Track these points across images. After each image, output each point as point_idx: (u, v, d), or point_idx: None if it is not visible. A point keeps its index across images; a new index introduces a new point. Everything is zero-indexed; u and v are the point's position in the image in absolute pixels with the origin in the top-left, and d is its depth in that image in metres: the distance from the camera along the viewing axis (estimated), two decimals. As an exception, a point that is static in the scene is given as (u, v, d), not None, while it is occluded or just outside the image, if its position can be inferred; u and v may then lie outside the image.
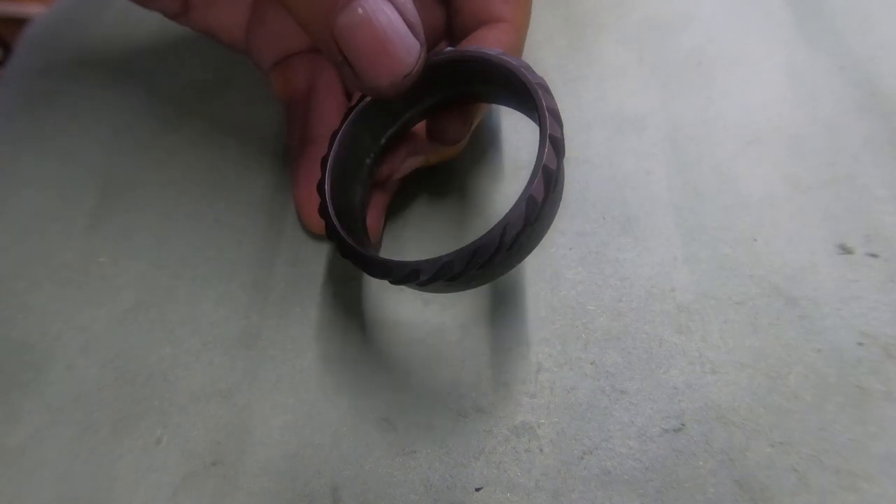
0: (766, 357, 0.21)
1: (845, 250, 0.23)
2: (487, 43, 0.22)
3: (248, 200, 0.27)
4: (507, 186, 0.26)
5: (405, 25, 0.17)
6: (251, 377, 0.23)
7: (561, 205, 0.26)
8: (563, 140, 0.18)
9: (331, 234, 0.20)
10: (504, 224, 0.17)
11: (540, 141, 0.18)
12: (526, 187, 0.17)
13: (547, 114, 0.18)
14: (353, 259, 0.19)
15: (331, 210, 0.20)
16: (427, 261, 0.17)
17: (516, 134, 0.28)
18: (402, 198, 0.26)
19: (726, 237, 0.24)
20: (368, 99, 0.21)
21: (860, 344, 0.21)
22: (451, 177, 0.27)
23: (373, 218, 0.24)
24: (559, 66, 0.30)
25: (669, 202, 0.25)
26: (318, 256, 0.25)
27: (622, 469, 0.20)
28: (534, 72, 0.19)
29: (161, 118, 0.30)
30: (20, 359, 0.24)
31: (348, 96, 0.26)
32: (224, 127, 0.30)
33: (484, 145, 0.28)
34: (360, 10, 0.17)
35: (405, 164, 0.24)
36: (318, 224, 0.23)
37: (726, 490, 0.19)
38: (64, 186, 0.28)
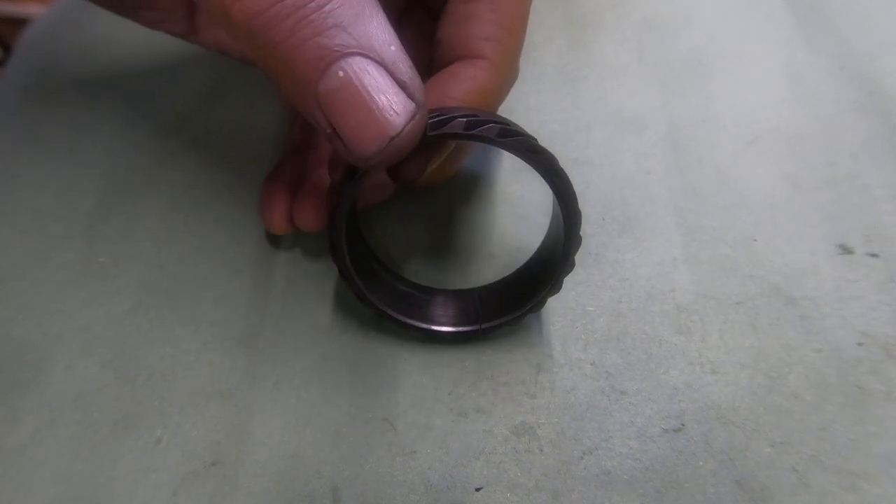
0: (766, 357, 0.21)
1: (845, 250, 0.23)
2: (459, 80, 0.20)
3: (248, 200, 0.27)
4: (507, 189, 0.26)
5: (395, 86, 0.16)
6: (251, 377, 0.23)
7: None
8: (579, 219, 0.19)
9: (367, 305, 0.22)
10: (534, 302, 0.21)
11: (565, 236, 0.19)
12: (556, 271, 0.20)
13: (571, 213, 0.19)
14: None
15: (363, 289, 0.21)
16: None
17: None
18: (402, 196, 0.26)
19: (726, 237, 0.24)
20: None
21: (860, 344, 0.21)
22: (452, 181, 0.27)
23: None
24: (559, 66, 0.30)
25: (669, 202, 0.25)
26: (317, 256, 0.25)
27: (622, 469, 0.20)
28: (484, 127, 0.18)
29: (161, 119, 0.30)
30: (20, 359, 0.24)
31: None
32: (224, 128, 0.30)
33: (485, 148, 0.28)
34: (340, 73, 0.15)
35: (367, 194, 0.23)
36: (276, 224, 0.24)
37: (726, 490, 0.19)
38: (64, 186, 0.28)
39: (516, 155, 0.18)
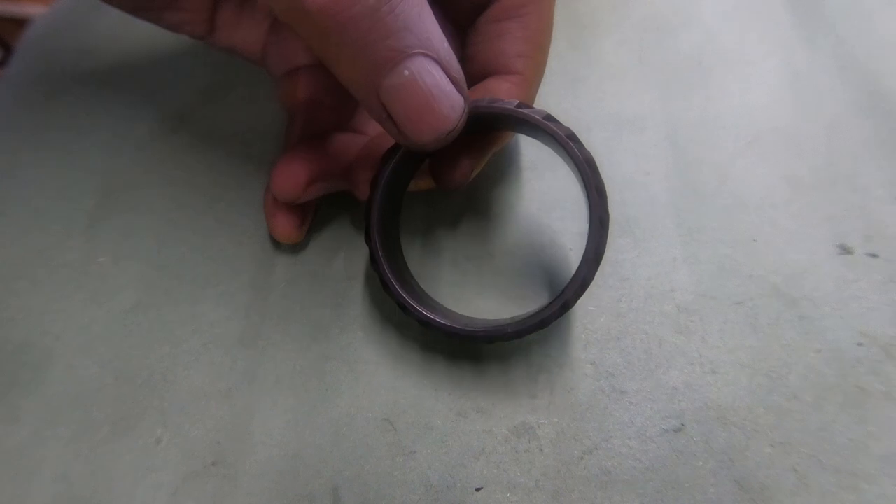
0: (766, 357, 0.21)
1: (845, 250, 0.23)
2: (496, 94, 0.21)
3: (248, 200, 0.27)
4: (506, 189, 0.26)
5: (450, 83, 0.17)
6: (251, 377, 0.23)
7: (560, 206, 0.26)
8: (607, 212, 0.19)
9: (389, 293, 0.21)
10: (564, 300, 0.19)
11: (590, 220, 0.19)
12: (581, 266, 0.19)
13: (595, 193, 0.19)
14: (420, 321, 0.21)
15: (389, 277, 0.21)
16: (486, 329, 0.20)
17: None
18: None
19: (726, 237, 0.24)
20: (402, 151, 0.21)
21: (860, 344, 0.21)
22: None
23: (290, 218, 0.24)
24: (559, 66, 0.30)
25: (669, 203, 0.25)
26: (318, 256, 0.25)
27: (622, 469, 0.20)
28: (558, 122, 0.19)
29: (161, 118, 0.30)
30: (20, 359, 0.24)
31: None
32: (224, 127, 0.30)
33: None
34: (406, 73, 0.16)
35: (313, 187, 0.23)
36: (282, 234, 0.24)
37: (726, 490, 0.19)
38: (64, 186, 0.28)
39: (555, 141, 0.19)
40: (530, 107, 0.19)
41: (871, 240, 0.23)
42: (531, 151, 0.27)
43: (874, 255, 0.23)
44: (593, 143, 0.27)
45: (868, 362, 0.21)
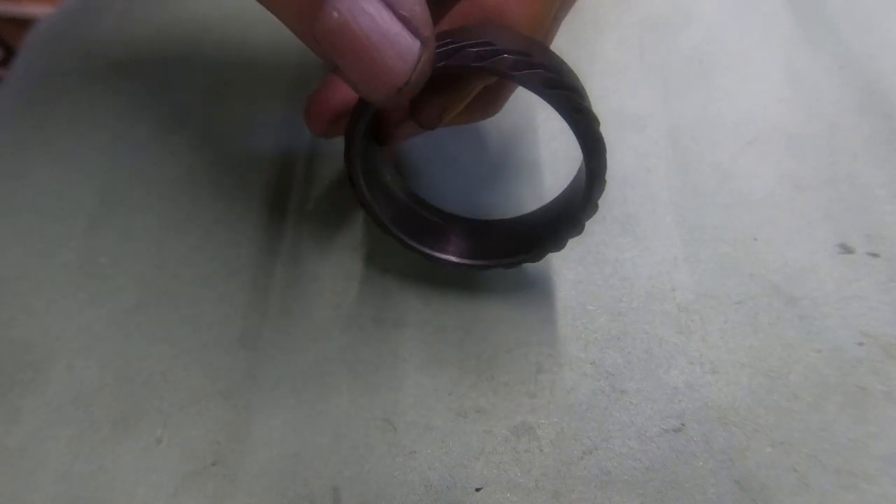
0: (766, 357, 0.21)
1: (846, 250, 0.23)
2: (486, 10, 0.17)
3: (248, 200, 0.27)
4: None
5: (398, 23, 0.14)
6: (251, 377, 0.23)
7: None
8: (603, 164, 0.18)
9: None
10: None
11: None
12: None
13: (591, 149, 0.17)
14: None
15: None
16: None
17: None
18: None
19: (726, 236, 0.24)
20: None
21: (860, 344, 0.21)
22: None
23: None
24: (559, 65, 0.30)
25: (669, 201, 0.25)
26: (318, 256, 0.25)
27: (622, 469, 0.20)
28: (535, 68, 0.16)
29: (161, 119, 0.30)
30: (20, 359, 0.24)
31: None
32: (224, 127, 0.30)
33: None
34: (335, 14, 0.14)
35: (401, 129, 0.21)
36: (315, 123, 0.22)
37: (726, 490, 0.19)
38: (64, 186, 0.28)
39: (533, 91, 0.16)
40: (499, 52, 0.15)
41: (871, 239, 0.23)
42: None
43: (875, 255, 0.23)
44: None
45: (868, 362, 0.21)
